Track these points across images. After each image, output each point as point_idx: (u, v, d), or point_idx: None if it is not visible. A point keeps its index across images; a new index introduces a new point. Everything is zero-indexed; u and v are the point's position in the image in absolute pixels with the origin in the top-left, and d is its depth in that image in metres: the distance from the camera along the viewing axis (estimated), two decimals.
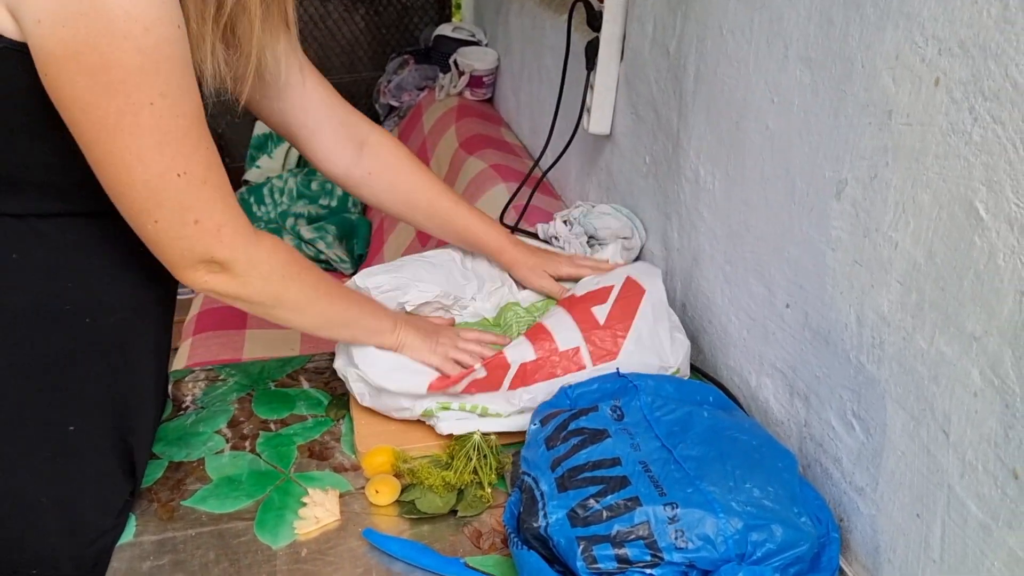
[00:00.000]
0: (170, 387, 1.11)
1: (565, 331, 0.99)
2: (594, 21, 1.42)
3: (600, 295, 1.03)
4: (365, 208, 2.80)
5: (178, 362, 1.96)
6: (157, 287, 0.89)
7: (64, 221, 0.79)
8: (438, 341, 1.01)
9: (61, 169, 0.75)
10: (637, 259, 1.37)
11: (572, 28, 1.51)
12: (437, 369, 0.98)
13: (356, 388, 1.00)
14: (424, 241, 2.16)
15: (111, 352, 0.85)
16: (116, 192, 0.74)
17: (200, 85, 0.77)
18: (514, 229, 1.49)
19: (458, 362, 0.99)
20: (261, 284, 0.84)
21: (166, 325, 0.95)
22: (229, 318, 2.07)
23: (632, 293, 1.02)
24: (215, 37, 0.76)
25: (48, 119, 0.70)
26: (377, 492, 0.90)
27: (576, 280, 1.13)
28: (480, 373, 0.95)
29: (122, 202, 0.75)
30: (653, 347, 1.00)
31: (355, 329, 0.98)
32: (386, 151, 1.08)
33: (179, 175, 0.74)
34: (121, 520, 0.87)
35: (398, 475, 0.92)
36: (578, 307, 1.02)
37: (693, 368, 1.11)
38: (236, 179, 3.09)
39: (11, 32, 0.66)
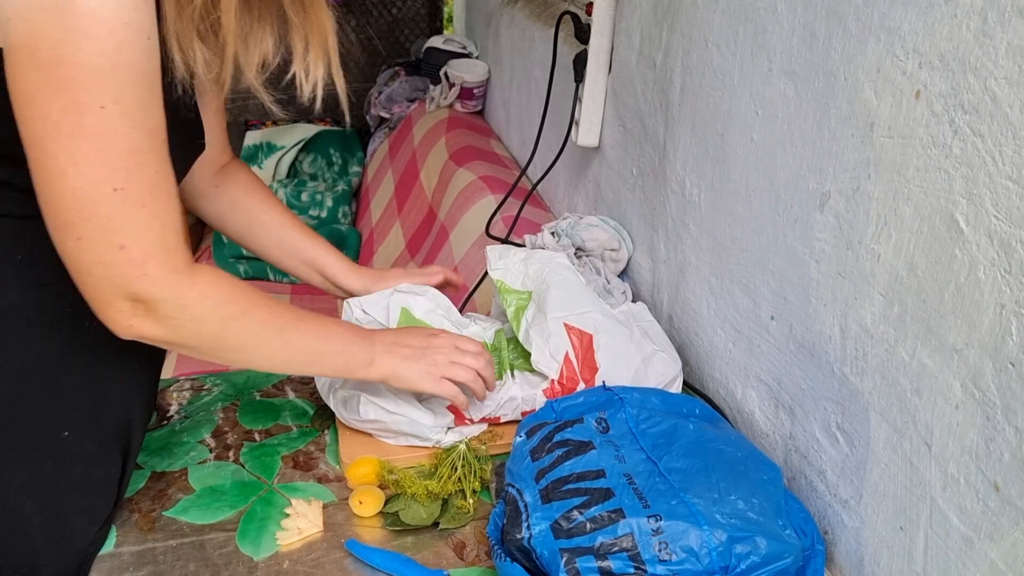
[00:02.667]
0: None
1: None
2: (582, 34, 1.43)
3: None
4: (355, 219, 2.80)
5: (165, 371, 1.94)
6: None
7: None
8: (431, 360, 0.91)
9: None
10: (624, 271, 1.38)
11: (560, 41, 1.52)
12: (431, 395, 0.93)
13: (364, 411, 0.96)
14: (413, 252, 2.16)
15: (108, 358, 0.83)
16: (44, 199, 0.68)
17: (177, 96, 0.74)
18: (503, 241, 1.49)
19: (454, 381, 0.92)
20: (194, 327, 0.76)
21: None
22: None
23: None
24: (193, 32, 0.72)
25: None
26: (361, 503, 0.89)
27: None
28: (484, 410, 0.97)
29: (48, 211, 0.68)
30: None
31: (324, 367, 0.91)
32: (244, 176, 1.07)
33: (115, 190, 0.67)
34: (105, 530, 0.86)
35: (383, 486, 0.92)
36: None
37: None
38: None
39: None
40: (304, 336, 0.85)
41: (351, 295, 1.07)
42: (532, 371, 1.01)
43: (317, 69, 0.82)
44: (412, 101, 2.80)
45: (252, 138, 3.05)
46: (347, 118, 1.00)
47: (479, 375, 0.94)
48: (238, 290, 0.80)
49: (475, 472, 0.91)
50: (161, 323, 0.74)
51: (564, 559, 0.71)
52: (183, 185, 0.96)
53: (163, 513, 0.89)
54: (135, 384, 0.89)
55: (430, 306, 1.05)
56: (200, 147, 0.93)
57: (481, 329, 1.07)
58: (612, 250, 1.35)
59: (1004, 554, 0.63)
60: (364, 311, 1.03)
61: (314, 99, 0.82)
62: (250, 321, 0.80)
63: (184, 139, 0.84)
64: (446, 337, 0.95)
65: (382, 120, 2.92)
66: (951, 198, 0.67)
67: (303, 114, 3.26)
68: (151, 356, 0.91)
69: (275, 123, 3.21)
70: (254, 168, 3.02)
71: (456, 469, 0.90)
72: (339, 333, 0.89)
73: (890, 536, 0.76)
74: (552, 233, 1.39)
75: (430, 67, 2.68)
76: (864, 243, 0.78)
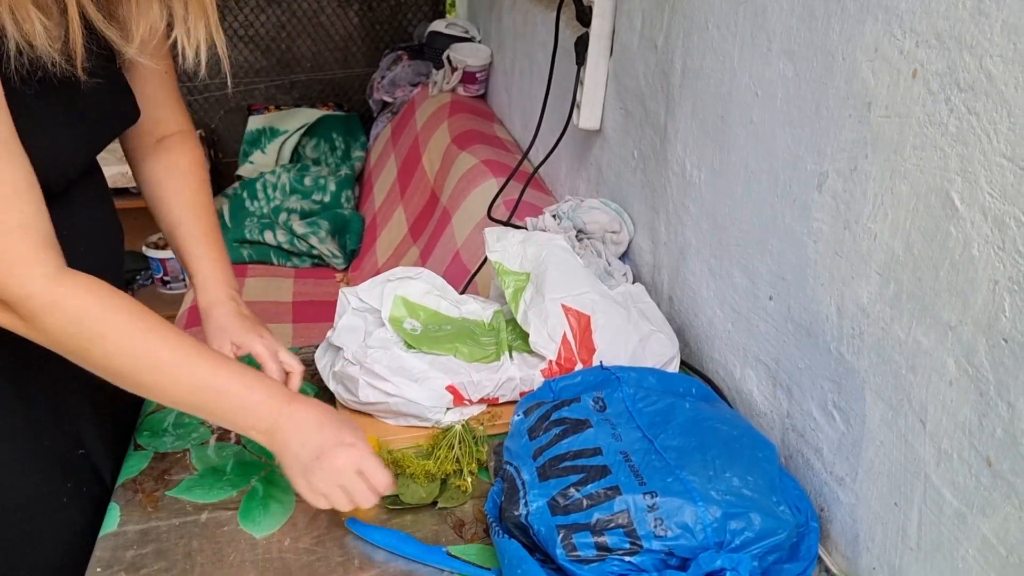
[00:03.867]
0: None
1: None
2: (583, 17, 1.42)
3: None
4: (358, 203, 2.80)
5: None
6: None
7: None
8: (328, 467, 0.77)
9: None
10: (625, 254, 1.38)
11: (562, 24, 1.51)
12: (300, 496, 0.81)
13: (365, 394, 0.97)
14: (416, 236, 2.17)
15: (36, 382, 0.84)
16: None
17: (54, 71, 0.72)
18: (505, 224, 1.49)
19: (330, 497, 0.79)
20: (46, 337, 0.72)
21: None
22: None
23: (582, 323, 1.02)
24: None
25: None
26: None
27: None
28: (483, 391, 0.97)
29: None
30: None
31: (209, 417, 0.82)
32: (177, 159, 1.00)
33: None
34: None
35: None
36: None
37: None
38: (229, 174, 3.09)
39: None
40: (186, 380, 0.76)
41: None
42: (530, 352, 1.01)
43: (198, 31, 0.79)
44: (415, 85, 2.79)
45: (255, 123, 3.05)
46: (229, 82, 1.12)
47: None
48: (102, 313, 0.73)
49: (472, 452, 0.92)
50: (22, 321, 0.72)
51: (561, 535, 0.72)
52: (125, 147, 1.00)
53: (166, 493, 0.90)
54: (78, 404, 0.88)
55: (426, 288, 1.06)
56: (127, 116, 0.91)
57: (480, 308, 1.08)
58: (613, 232, 1.35)
59: (996, 528, 0.64)
60: (360, 299, 1.04)
61: (199, 63, 0.80)
62: (111, 347, 0.73)
63: (97, 109, 0.84)
64: (356, 455, 0.79)
65: (385, 104, 2.92)
66: (947, 176, 0.67)
67: (306, 99, 3.26)
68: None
69: (278, 108, 3.21)
70: (256, 152, 3.03)
71: (453, 448, 0.90)
72: (234, 382, 0.78)
73: (885, 512, 0.77)
74: (553, 216, 1.39)
75: (433, 51, 2.67)
76: (861, 222, 0.78)
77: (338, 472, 0.78)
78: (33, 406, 0.87)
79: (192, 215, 0.99)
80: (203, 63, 0.80)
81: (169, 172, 1.00)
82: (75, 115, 0.81)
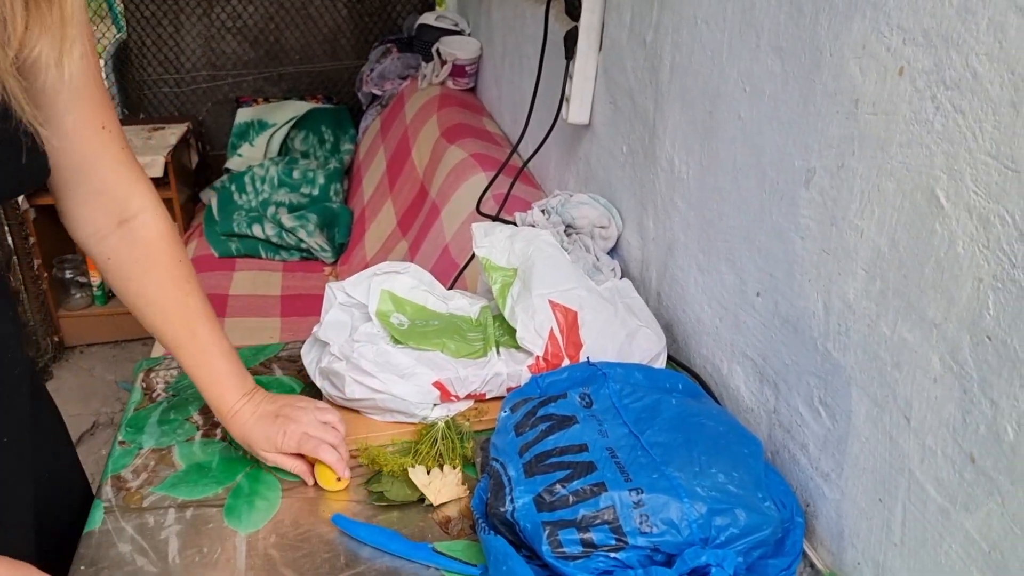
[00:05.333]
0: (141, 375, 1.10)
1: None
2: (573, 10, 1.42)
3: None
4: (347, 197, 2.79)
5: (156, 349, 1.95)
6: None
7: None
8: (280, 428, 0.87)
9: None
10: (614, 249, 1.38)
11: (551, 18, 1.51)
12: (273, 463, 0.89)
13: (352, 391, 0.96)
14: (405, 230, 2.16)
15: None
16: None
17: None
18: (494, 218, 1.49)
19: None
20: None
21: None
22: None
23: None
24: None
25: None
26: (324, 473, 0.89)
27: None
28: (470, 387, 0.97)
29: None
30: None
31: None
32: (147, 236, 0.86)
33: None
34: None
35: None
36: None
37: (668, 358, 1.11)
38: (217, 167, 3.07)
39: None
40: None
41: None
42: (517, 348, 1.01)
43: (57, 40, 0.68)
44: (404, 78, 2.78)
45: (243, 115, 3.04)
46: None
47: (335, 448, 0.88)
48: None
49: (456, 449, 0.92)
50: None
51: (547, 531, 0.72)
52: (76, 237, 0.86)
53: (151, 489, 0.90)
54: None
55: (412, 283, 1.05)
56: (20, 179, 0.74)
57: (467, 303, 1.07)
58: (602, 227, 1.35)
59: (979, 524, 0.64)
60: (347, 294, 1.04)
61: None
62: None
63: None
64: (308, 408, 0.89)
65: (374, 97, 2.90)
66: (932, 174, 0.67)
67: (294, 91, 3.24)
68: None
69: (267, 100, 3.19)
70: (245, 145, 3.01)
71: (436, 444, 0.90)
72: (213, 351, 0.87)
73: (869, 508, 0.77)
74: (542, 211, 1.39)
75: (422, 44, 2.66)
76: (848, 219, 0.78)
77: (302, 421, 0.87)
78: None
79: (187, 332, 0.88)
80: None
81: (143, 272, 0.86)
82: None
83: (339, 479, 0.89)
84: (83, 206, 0.84)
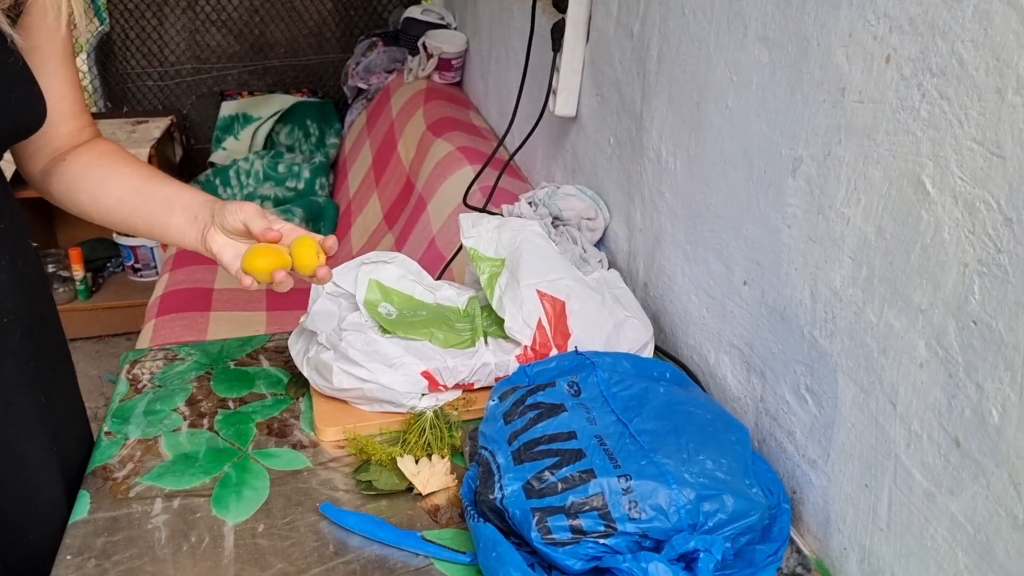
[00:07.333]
0: (126, 366, 1.09)
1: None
2: (560, 3, 1.41)
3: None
4: (332, 191, 2.78)
5: (140, 343, 1.93)
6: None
7: None
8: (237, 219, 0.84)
9: None
10: (601, 240, 1.38)
11: (538, 10, 1.51)
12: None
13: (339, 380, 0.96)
14: (391, 224, 2.15)
15: None
16: None
17: None
18: (481, 211, 1.49)
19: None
20: None
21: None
22: (193, 300, 2.05)
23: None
24: None
25: None
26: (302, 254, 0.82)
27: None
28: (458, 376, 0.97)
29: None
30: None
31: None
32: (103, 144, 0.92)
33: None
34: None
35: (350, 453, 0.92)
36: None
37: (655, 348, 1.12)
38: (202, 161, 3.05)
39: None
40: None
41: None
42: (505, 338, 1.01)
43: None
44: (390, 72, 2.77)
45: (228, 108, 3.02)
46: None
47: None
48: None
49: (444, 438, 0.92)
50: None
51: (536, 518, 0.72)
52: (23, 167, 0.90)
53: (137, 479, 0.89)
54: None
55: (400, 272, 1.05)
56: (31, 116, 0.80)
57: (455, 294, 1.07)
58: (589, 219, 1.35)
59: (964, 507, 0.65)
60: (335, 283, 1.03)
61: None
62: None
63: None
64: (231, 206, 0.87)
65: (360, 91, 2.89)
66: (918, 161, 0.68)
67: (279, 85, 3.22)
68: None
69: (251, 93, 3.18)
70: (229, 139, 2.99)
71: (424, 433, 0.90)
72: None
73: (856, 494, 0.78)
74: (529, 203, 1.39)
75: (408, 37, 2.65)
76: (834, 207, 0.79)
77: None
78: None
79: (138, 192, 0.89)
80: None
81: (88, 166, 0.90)
82: None
83: (317, 255, 0.82)
84: (40, 152, 0.90)
